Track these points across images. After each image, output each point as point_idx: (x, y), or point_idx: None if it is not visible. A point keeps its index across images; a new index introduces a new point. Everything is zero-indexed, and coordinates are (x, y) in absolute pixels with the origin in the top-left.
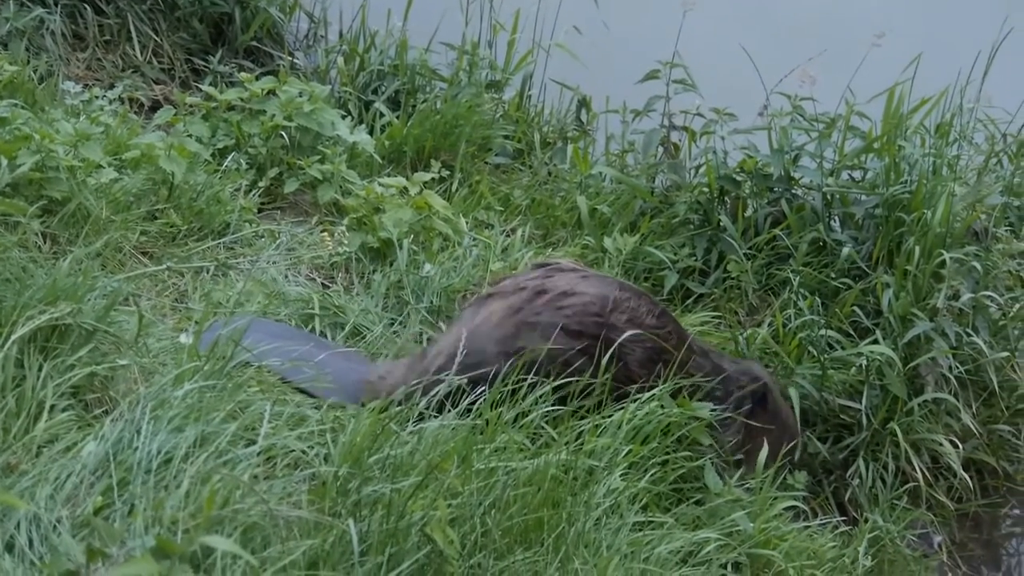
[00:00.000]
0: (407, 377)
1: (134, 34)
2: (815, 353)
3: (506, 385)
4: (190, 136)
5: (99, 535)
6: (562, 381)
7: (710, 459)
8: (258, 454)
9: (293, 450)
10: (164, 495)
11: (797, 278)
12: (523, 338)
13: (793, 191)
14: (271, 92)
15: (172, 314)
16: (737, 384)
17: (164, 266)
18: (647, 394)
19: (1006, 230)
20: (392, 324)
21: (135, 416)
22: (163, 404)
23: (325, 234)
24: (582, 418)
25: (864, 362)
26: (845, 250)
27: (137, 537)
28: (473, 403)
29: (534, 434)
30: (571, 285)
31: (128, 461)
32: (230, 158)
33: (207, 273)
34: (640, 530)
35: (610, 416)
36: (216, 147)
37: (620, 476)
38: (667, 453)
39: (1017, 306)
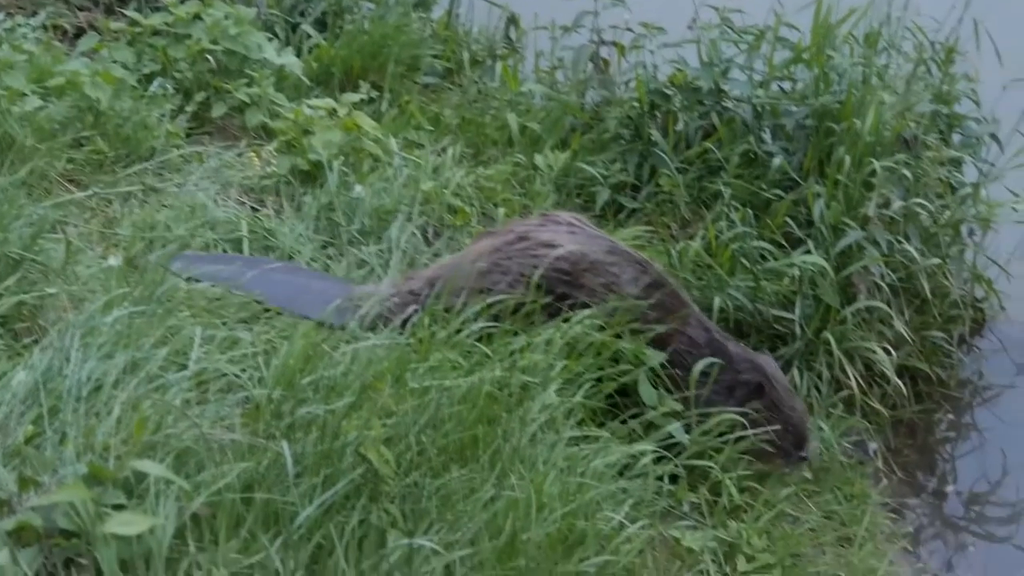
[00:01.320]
0: (388, 298)
1: None
2: (748, 265)
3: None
4: (115, 62)
5: (30, 464)
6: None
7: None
8: (190, 379)
9: (226, 374)
10: (95, 422)
11: (729, 190)
12: (491, 279)
13: (723, 104)
14: (196, 16)
15: (101, 241)
16: (736, 369)
17: (90, 191)
18: (583, 313)
19: (935, 138)
20: (324, 247)
21: (64, 344)
22: (92, 331)
23: (252, 154)
24: (515, 334)
25: (797, 272)
26: (776, 161)
27: (69, 465)
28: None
29: (468, 352)
30: (553, 237)
31: (58, 389)
32: (156, 83)
33: (135, 199)
34: (576, 445)
35: (541, 334)
36: (142, 73)
37: (555, 392)
38: (601, 369)
39: (948, 213)
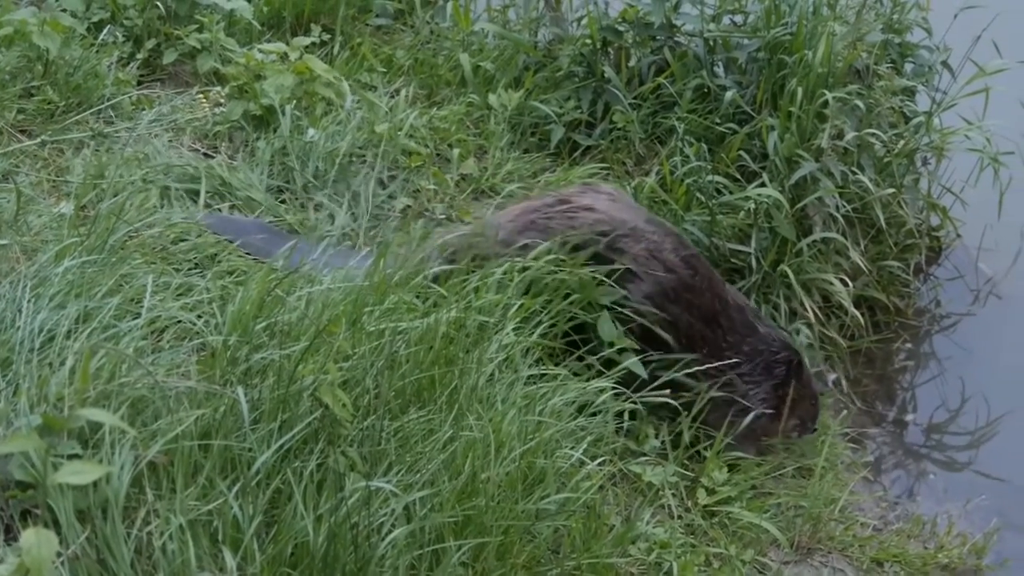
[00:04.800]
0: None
1: None
2: (703, 199)
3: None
4: (64, 11)
5: None
6: None
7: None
8: (143, 327)
9: (181, 321)
10: (48, 373)
11: (683, 125)
12: (527, 235)
13: (675, 39)
14: None
15: (53, 191)
16: (769, 347)
17: (39, 140)
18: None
19: (887, 67)
20: (280, 192)
21: (16, 295)
22: (44, 282)
23: (201, 96)
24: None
25: (752, 205)
26: (729, 95)
27: (23, 416)
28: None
29: (424, 294)
30: (594, 203)
31: (10, 340)
32: (106, 31)
33: (87, 147)
34: (534, 383)
35: (494, 273)
36: (91, 21)
37: (512, 330)
38: (551, 303)
39: (901, 142)
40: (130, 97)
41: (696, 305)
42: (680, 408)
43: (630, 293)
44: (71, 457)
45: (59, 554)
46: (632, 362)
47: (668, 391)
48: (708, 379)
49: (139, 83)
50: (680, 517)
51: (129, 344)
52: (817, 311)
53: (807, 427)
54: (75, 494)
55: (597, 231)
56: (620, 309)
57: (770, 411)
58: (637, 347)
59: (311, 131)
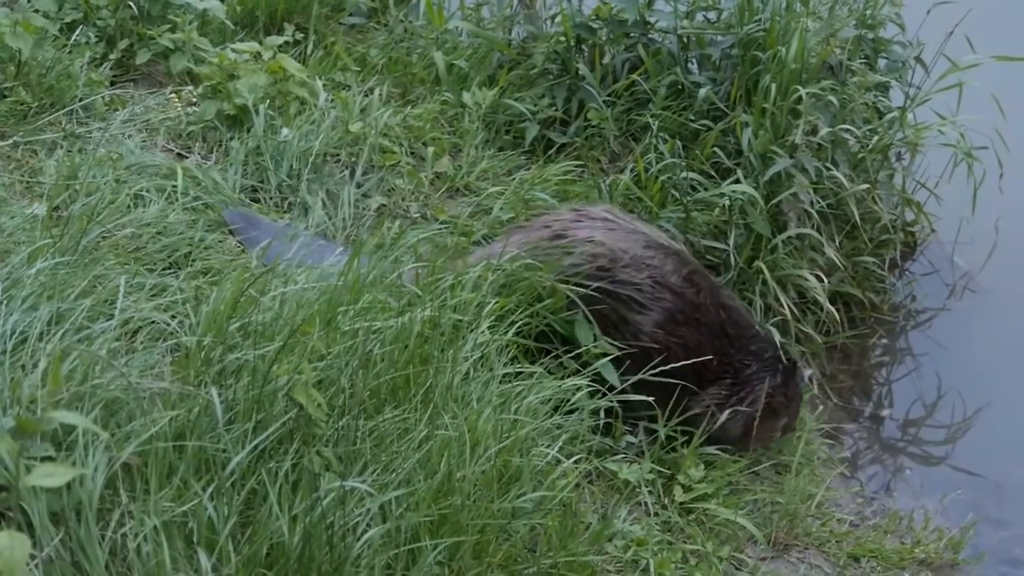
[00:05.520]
0: None
1: None
2: (678, 196)
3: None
4: (36, 12)
5: None
6: None
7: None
8: (116, 328)
9: (155, 322)
10: (21, 375)
11: (657, 122)
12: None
13: (649, 36)
14: None
15: (25, 192)
16: (764, 351)
17: (11, 141)
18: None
19: (861, 62)
20: (254, 191)
21: None
22: (16, 284)
23: (174, 95)
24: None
25: (727, 202)
26: (703, 91)
27: None
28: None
29: (399, 292)
30: (592, 234)
31: None
32: (78, 32)
33: (60, 147)
34: (510, 381)
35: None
36: (64, 21)
37: (487, 329)
38: (531, 305)
39: (875, 138)
40: (103, 97)
41: (704, 323)
42: (655, 405)
43: (640, 324)
44: (44, 459)
45: (33, 556)
46: (603, 362)
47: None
48: (719, 388)
49: (112, 83)
50: (657, 514)
51: (102, 346)
52: (792, 307)
53: (791, 426)
54: (49, 496)
55: (596, 265)
56: (635, 340)
57: (771, 406)
58: (618, 353)
59: (284, 131)
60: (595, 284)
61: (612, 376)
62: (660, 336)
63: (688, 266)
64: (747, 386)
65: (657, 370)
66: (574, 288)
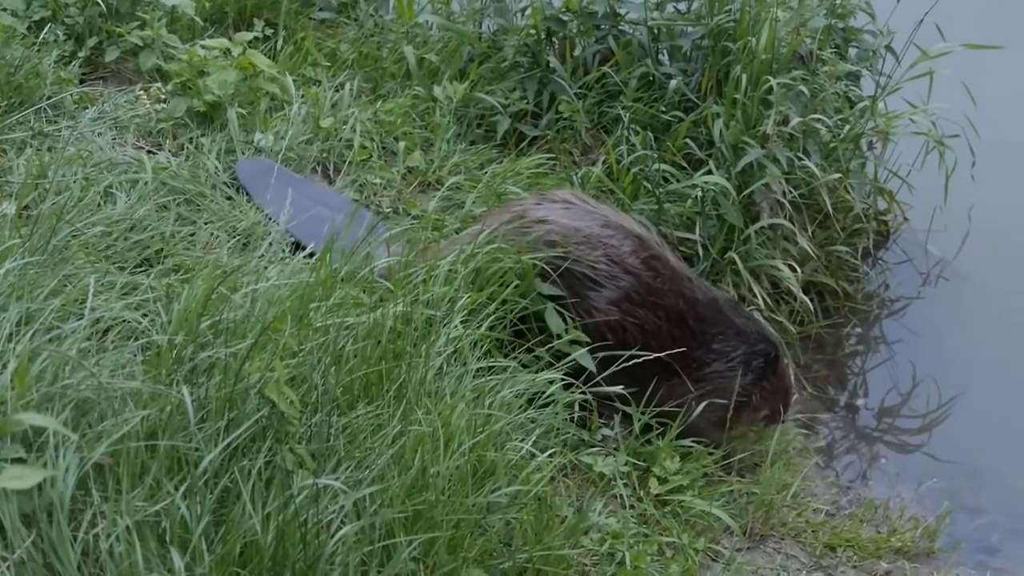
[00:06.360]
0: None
1: None
2: (650, 187)
3: None
4: (4, 10)
5: None
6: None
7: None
8: (86, 328)
9: (126, 321)
10: None
11: (628, 114)
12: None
13: (619, 27)
14: None
15: None
16: (749, 342)
17: None
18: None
19: (831, 52)
20: (227, 186)
21: None
22: None
23: (143, 93)
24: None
25: (699, 193)
26: (673, 83)
27: None
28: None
29: (371, 288)
30: (548, 214)
31: None
32: (47, 29)
33: (30, 146)
34: (483, 376)
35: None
36: (32, 19)
37: (460, 323)
38: (504, 302)
39: (847, 127)
40: (72, 96)
41: (661, 306)
42: (628, 397)
43: (594, 300)
44: (15, 461)
45: (4, 559)
46: (580, 353)
47: (620, 386)
48: (680, 381)
49: (81, 81)
50: (632, 507)
51: (72, 346)
52: (766, 297)
53: (776, 418)
54: (19, 498)
55: (548, 241)
56: (588, 318)
57: (742, 401)
58: (588, 340)
59: (257, 134)
60: (546, 261)
61: (588, 362)
62: (614, 314)
63: (649, 251)
64: (708, 383)
65: (619, 358)
66: (536, 266)
